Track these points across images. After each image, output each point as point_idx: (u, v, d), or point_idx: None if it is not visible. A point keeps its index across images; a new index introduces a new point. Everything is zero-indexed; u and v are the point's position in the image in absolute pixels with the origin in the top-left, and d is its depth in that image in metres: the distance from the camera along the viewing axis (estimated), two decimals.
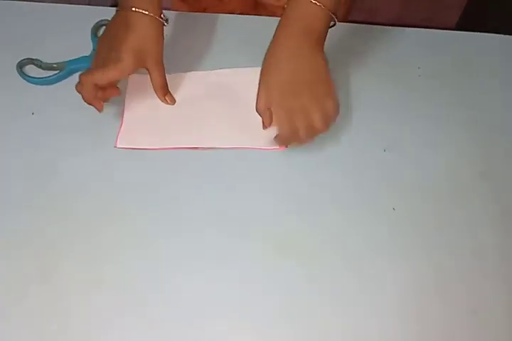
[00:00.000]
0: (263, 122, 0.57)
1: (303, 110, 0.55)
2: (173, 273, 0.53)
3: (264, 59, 0.58)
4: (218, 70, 0.66)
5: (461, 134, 0.63)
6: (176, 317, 0.51)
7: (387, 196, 0.59)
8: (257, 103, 0.57)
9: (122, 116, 0.62)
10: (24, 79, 0.64)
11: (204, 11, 0.75)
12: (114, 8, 0.71)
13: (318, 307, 0.52)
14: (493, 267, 0.55)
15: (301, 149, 0.61)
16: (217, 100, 0.64)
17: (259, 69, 0.65)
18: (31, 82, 0.64)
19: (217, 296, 0.52)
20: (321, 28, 0.56)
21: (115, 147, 0.60)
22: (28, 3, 0.71)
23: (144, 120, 0.62)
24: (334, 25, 0.57)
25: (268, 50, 0.57)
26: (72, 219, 0.56)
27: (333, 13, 0.56)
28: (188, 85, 0.65)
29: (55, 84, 0.64)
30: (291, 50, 0.56)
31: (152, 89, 0.63)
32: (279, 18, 0.57)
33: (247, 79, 0.65)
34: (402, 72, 0.68)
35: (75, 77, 0.64)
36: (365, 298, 0.53)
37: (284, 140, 0.58)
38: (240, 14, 0.74)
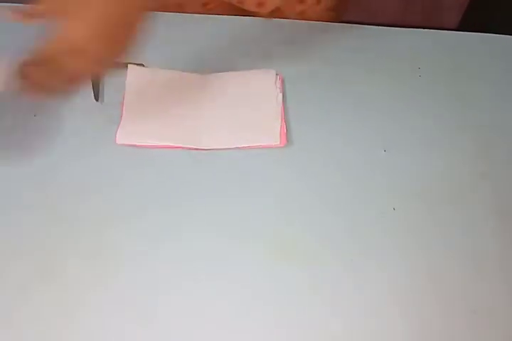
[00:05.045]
0: None
1: None
2: (173, 274, 0.53)
3: None
4: (218, 73, 0.66)
5: (461, 134, 0.64)
6: (177, 318, 0.51)
7: (388, 196, 0.59)
8: None
9: (122, 111, 0.63)
10: None
11: None
12: None
13: (318, 308, 0.52)
14: (493, 267, 0.55)
15: (300, 150, 0.61)
16: (217, 102, 0.64)
17: (259, 72, 0.66)
18: None
19: (217, 296, 0.53)
20: None
21: (116, 143, 0.60)
22: (32, 5, 0.72)
23: (144, 115, 0.63)
24: None
25: None
26: (74, 219, 0.56)
27: None
28: (189, 85, 0.65)
29: None
30: None
31: (153, 83, 0.63)
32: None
33: (247, 82, 0.66)
34: (403, 73, 0.68)
35: None
36: (365, 298, 0.53)
37: None
38: None
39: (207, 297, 0.52)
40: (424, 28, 0.73)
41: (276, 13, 0.74)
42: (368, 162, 0.61)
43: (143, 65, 0.66)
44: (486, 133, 0.64)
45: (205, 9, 0.79)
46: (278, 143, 0.61)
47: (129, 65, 0.65)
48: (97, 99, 0.63)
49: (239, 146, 0.61)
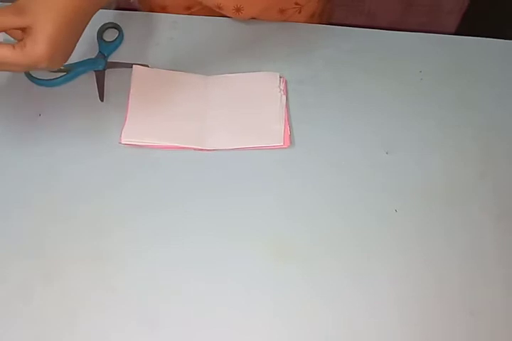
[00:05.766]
0: None
1: None
2: (174, 275, 0.54)
3: None
4: (222, 75, 0.67)
5: (462, 137, 0.64)
6: (177, 319, 0.52)
7: (389, 198, 0.59)
8: None
9: (127, 111, 0.63)
10: (31, 81, 0.64)
11: None
12: (119, 12, 0.72)
13: (318, 309, 0.53)
14: (493, 268, 0.56)
15: (304, 152, 0.62)
16: (221, 103, 0.65)
17: (263, 74, 0.66)
18: (38, 84, 0.64)
19: (218, 297, 0.53)
20: None
21: (120, 143, 0.61)
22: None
23: (148, 115, 0.63)
24: None
25: None
26: (75, 219, 0.56)
27: None
28: (194, 86, 0.66)
29: (61, 86, 0.65)
30: None
31: (158, 83, 0.63)
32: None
33: (251, 84, 0.66)
34: (404, 76, 0.69)
35: (81, 79, 0.65)
36: (366, 300, 0.53)
37: None
38: None
39: (207, 297, 0.53)
40: (423, 32, 0.73)
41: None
42: (370, 164, 0.61)
43: (147, 66, 0.66)
44: (487, 135, 0.64)
45: (188, 12, 0.79)
46: (282, 144, 0.61)
47: (133, 66, 0.66)
48: (102, 100, 0.64)
49: (243, 147, 0.61)
